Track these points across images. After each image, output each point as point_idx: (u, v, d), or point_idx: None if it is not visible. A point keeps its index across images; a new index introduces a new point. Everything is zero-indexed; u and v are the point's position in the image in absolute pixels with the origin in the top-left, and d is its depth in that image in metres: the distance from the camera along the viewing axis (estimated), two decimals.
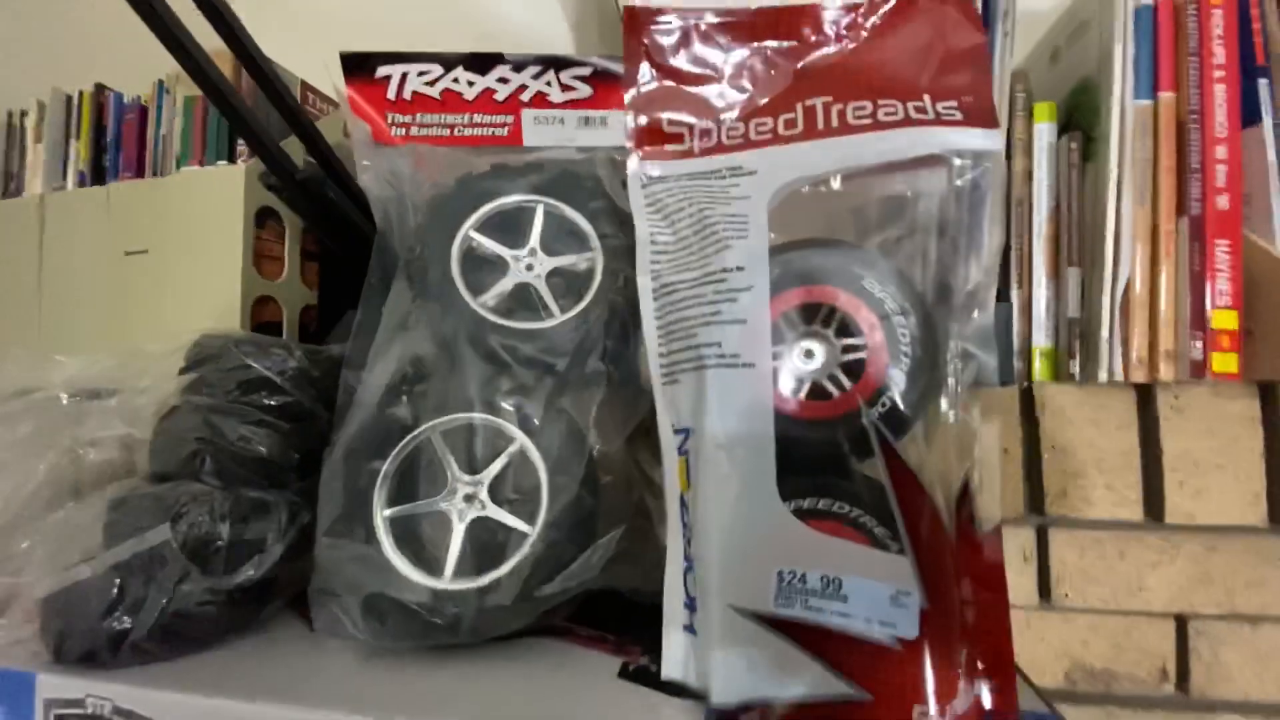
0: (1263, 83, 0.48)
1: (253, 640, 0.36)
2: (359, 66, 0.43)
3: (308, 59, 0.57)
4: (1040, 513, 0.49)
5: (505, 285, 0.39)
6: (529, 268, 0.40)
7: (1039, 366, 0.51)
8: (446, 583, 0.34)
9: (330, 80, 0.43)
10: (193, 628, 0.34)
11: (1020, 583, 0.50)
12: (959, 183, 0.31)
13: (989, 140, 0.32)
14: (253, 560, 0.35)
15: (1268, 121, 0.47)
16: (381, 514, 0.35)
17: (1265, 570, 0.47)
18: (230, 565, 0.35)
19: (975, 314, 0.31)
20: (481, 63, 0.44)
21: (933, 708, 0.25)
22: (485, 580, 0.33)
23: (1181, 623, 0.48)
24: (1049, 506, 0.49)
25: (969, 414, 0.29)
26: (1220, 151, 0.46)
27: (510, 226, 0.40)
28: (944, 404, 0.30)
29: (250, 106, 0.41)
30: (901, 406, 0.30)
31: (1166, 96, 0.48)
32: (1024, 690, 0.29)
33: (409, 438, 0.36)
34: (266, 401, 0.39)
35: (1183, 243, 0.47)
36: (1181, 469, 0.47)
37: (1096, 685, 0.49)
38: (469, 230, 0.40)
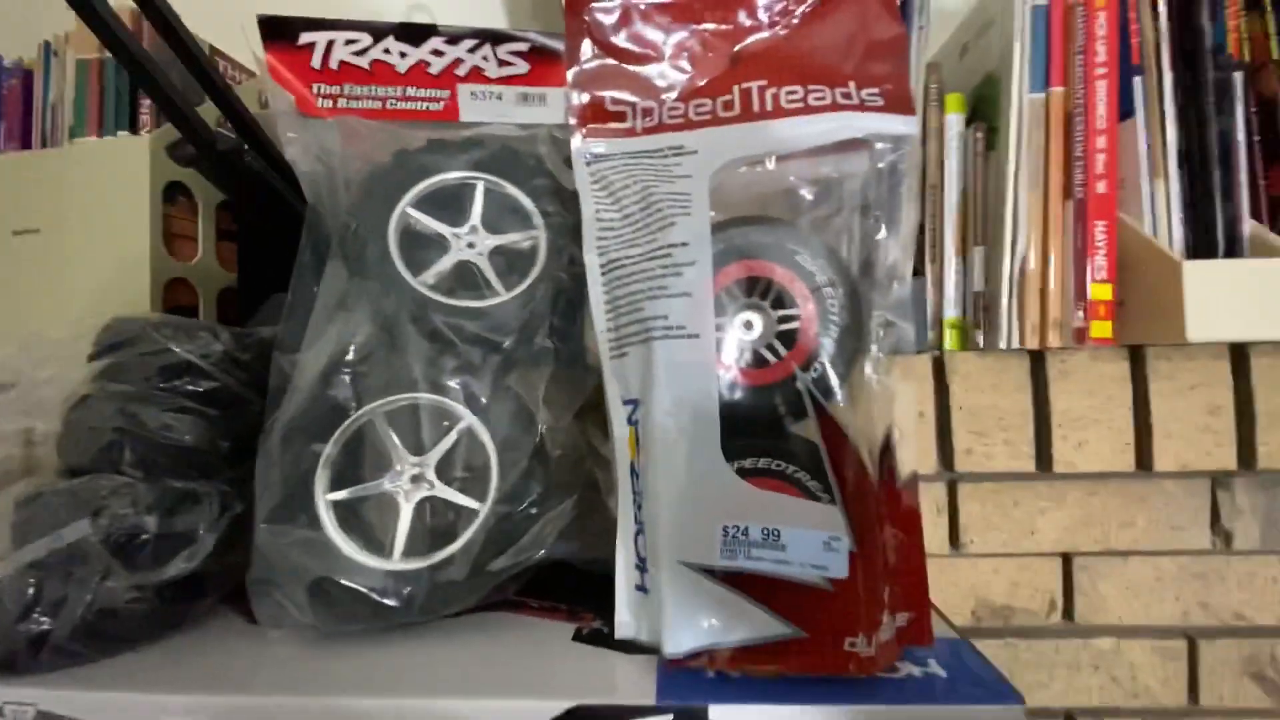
0: (1137, 80, 0.54)
1: (188, 636, 0.35)
2: (279, 32, 0.41)
3: (218, 22, 0.53)
4: (950, 469, 0.54)
5: (446, 263, 0.39)
6: (470, 245, 0.39)
7: (949, 336, 0.56)
8: (396, 563, 0.33)
9: (247, 45, 0.40)
10: (121, 626, 0.32)
11: (934, 533, 0.55)
12: (880, 165, 0.34)
13: (907, 126, 0.34)
14: (183, 553, 0.34)
15: (1140, 115, 0.54)
16: (324, 498, 0.34)
17: (1134, 511, 0.54)
18: (159, 559, 0.33)
19: (895, 286, 0.33)
20: (414, 34, 0.42)
21: (861, 639, 0.28)
22: (437, 558, 0.33)
23: (1067, 560, 0.55)
24: (958, 463, 0.54)
25: (889, 377, 0.32)
26: (1100, 142, 0.52)
27: (450, 203, 0.40)
28: (868, 368, 0.32)
29: (162, 69, 0.38)
30: (831, 371, 0.32)
31: (1056, 91, 0.53)
32: (937, 621, 0.32)
33: (351, 419, 0.35)
34: (190, 387, 0.37)
35: (1068, 224, 0.53)
36: (1066, 424, 0.53)
37: (997, 620, 0.55)
38: (406, 207, 0.39)
